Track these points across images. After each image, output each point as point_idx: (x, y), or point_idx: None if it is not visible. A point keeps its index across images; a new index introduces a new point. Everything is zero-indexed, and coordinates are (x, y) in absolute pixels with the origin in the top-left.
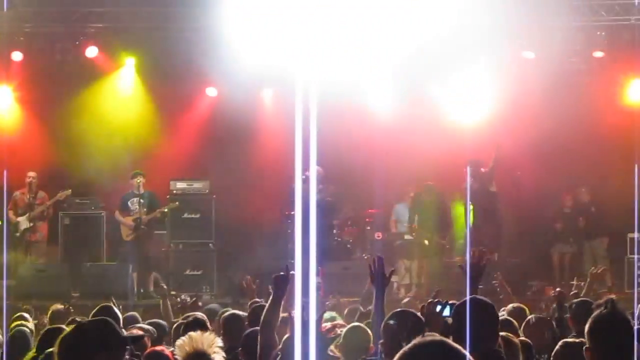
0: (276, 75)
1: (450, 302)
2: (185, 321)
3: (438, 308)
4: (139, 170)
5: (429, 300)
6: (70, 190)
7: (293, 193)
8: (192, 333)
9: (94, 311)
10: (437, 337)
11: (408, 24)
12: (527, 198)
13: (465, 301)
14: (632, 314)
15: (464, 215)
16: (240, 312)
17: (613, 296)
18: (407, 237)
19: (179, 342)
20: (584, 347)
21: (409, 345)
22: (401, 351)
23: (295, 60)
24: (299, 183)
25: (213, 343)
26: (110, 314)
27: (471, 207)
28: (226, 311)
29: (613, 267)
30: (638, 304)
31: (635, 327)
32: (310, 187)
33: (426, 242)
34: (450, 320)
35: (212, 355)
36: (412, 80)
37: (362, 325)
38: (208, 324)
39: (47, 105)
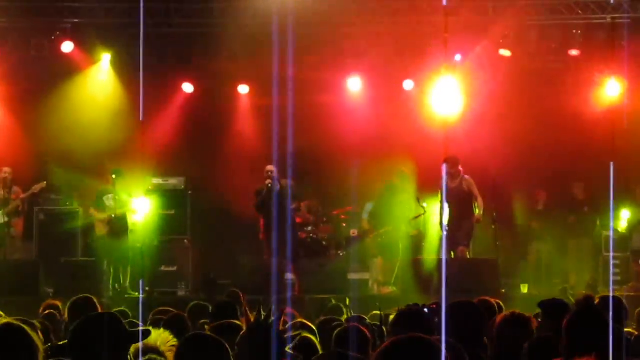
0: (252, 72)
1: (433, 305)
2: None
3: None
4: (113, 167)
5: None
6: (45, 183)
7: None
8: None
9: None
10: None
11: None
12: (502, 195)
13: (452, 304)
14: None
15: (439, 213)
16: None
17: (591, 294)
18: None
19: None
20: (560, 343)
21: (389, 341)
22: (382, 346)
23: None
24: (275, 181)
25: (167, 341)
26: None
27: (447, 205)
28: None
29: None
30: (613, 302)
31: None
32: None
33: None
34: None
35: (167, 354)
36: (389, 78)
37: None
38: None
39: (22, 101)
